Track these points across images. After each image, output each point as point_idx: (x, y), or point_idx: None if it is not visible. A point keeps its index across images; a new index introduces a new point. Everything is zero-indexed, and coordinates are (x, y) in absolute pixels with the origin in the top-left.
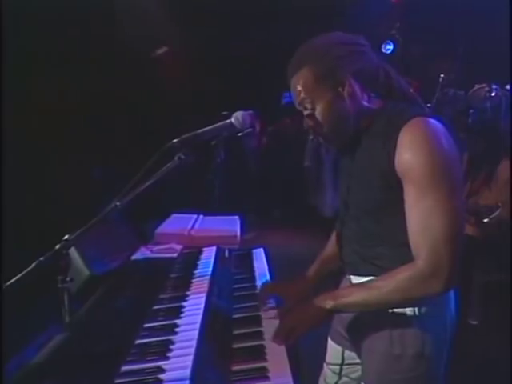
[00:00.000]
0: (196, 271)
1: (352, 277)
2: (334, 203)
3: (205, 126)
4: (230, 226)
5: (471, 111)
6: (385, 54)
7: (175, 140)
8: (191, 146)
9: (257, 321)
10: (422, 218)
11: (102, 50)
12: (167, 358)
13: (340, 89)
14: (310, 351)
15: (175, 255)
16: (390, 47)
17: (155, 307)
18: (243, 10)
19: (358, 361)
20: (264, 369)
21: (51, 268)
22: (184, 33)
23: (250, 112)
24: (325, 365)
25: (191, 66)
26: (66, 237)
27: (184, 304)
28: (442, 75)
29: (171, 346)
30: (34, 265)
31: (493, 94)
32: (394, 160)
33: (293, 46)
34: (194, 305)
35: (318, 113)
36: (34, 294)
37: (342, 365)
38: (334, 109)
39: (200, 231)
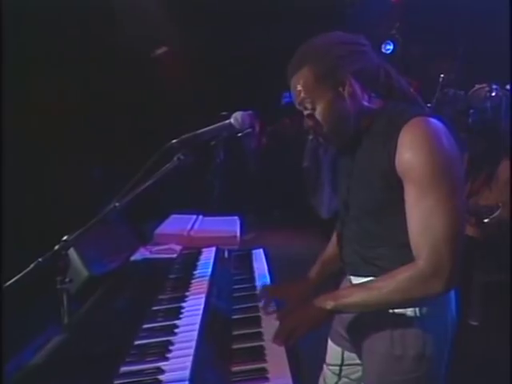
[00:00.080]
0: (195, 272)
1: (352, 277)
2: (331, 204)
3: (205, 126)
4: (229, 226)
5: (471, 111)
6: (385, 54)
7: (174, 140)
8: (190, 147)
9: (256, 321)
10: (422, 217)
11: (101, 50)
12: (166, 359)
13: (340, 89)
14: (310, 352)
15: (174, 256)
16: (390, 47)
17: (154, 308)
18: (243, 10)
19: (357, 362)
20: (263, 370)
21: (50, 269)
22: (184, 33)
23: (250, 112)
24: (324, 366)
25: (191, 66)
26: (64, 237)
27: (183, 305)
28: (442, 75)
29: (170, 347)
30: (32, 265)
31: (493, 94)
32: (394, 160)
33: (293, 45)
34: (194, 305)
35: (318, 113)
36: (32, 294)
37: (341, 366)
38: (334, 109)
39: (199, 232)
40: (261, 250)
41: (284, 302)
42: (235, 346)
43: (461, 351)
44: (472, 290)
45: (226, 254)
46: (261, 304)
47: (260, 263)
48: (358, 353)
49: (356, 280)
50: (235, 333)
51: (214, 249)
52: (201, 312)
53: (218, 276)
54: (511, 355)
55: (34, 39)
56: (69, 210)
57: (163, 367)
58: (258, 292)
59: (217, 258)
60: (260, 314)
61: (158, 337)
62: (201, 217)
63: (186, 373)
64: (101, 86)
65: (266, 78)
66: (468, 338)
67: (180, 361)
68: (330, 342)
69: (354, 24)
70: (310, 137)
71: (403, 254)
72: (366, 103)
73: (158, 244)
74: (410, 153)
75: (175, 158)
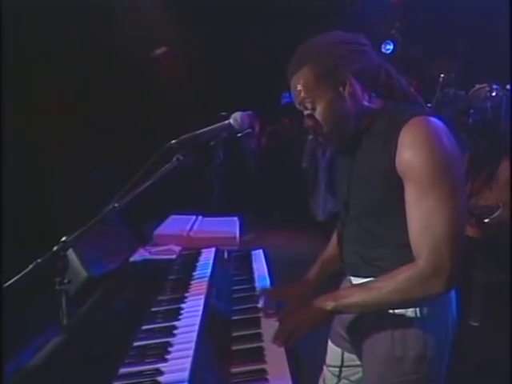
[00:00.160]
0: (195, 273)
1: (352, 278)
2: (326, 207)
3: (204, 127)
4: (229, 227)
5: (472, 111)
6: (385, 53)
7: (174, 141)
8: (190, 147)
9: (256, 322)
10: (423, 217)
11: (101, 51)
12: (166, 361)
13: (341, 88)
14: (310, 353)
15: (174, 257)
16: (390, 47)
17: (154, 309)
18: (243, 10)
19: (357, 363)
20: (263, 371)
21: (49, 270)
22: (183, 33)
23: (249, 112)
24: (324, 367)
25: (190, 66)
26: (63, 238)
27: (183, 306)
28: (442, 75)
29: (170, 348)
30: (31, 266)
31: (493, 94)
32: (394, 159)
33: (293, 45)
34: (193, 306)
35: (318, 112)
36: (31, 295)
37: (341, 367)
38: (334, 108)
39: (199, 232)
40: (260, 251)
41: (284, 303)
42: (235, 347)
43: (461, 351)
44: (472, 291)
45: (226, 255)
46: (260, 306)
47: (260, 264)
48: (358, 354)
49: (356, 280)
50: (235, 334)
51: (213, 249)
52: (200, 313)
53: (218, 277)
54: (511, 355)
55: (33, 39)
56: (69, 210)
57: (162, 368)
58: (257, 293)
59: (216, 259)
60: (260, 315)
61: (157, 338)
62: (200, 217)
63: (185, 374)
64: (100, 86)
65: (266, 78)
66: (468, 338)
67: (179, 362)
68: (329, 343)
69: (354, 24)
70: (310, 137)
71: (403, 254)
72: (366, 103)
73: (157, 245)
74: (410, 152)
75: (174, 159)
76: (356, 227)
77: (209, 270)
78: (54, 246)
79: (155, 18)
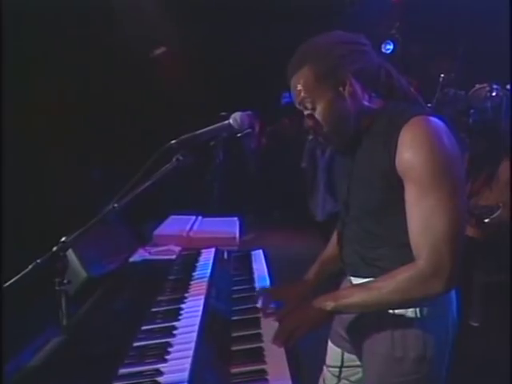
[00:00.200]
0: (194, 273)
1: (352, 278)
2: (325, 207)
3: (204, 127)
4: (228, 227)
5: (472, 111)
6: (385, 53)
7: (173, 141)
8: (190, 147)
9: (256, 323)
10: (423, 217)
11: (101, 51)
12: (165, 361)
13: (341, 88)
14: (310, 353)
15: (173, 257)
16: (390, 47)
17: (153, 309)
18: (243, 10)
19: (357, 363)
20: (263, 371)
21: (49, 270)
22: (183, 33)
23: (249, 113)
24: (324, 367)
25: (190, 67)
26: (63, 239)
27: (182, 306)
28: (442, 75)
29: (169, 349)
30: (30, 267)
31: (493, 94)
32: (394, 159)
33: (293, 45)
34: (193, 307)
35: (318, 112)
36: (31, 296)
37: (341, 367)
38: (334, 108)
39: (199, 233)
40: (260, 251)
41: (283, 304)
42: (234, 348)
43: (461, 351)
44: (472, 291)
45: (226, 255)
46: (259, 306)
47: (259, 264)
48: (358, 354)
49: (356, 281)
50: (234, 334)
51: (213, 250)
52: (200, 313)
53: (218, 277)
54: (511, 355)
55: (33, 39)
56: (69, 210)
57: (162, 369)
58: (257, 293)
59: (216, 259)
60: (259, 315)
61: (156, 338)
62: (200, 217)
63: (185, 374)
64: (100, 86)
65: (266, 78)
66: (468, 338)
67: (179, 362)
68: (329, 344)
69: (354, 24)
70: (310, 137)
71: (404, 254)
72: (366, 103)
73: (156, 245)
74: (410, 152)
75: (174, 159)
76: (356, 227)
77: (208, 271)
78: (53, 246)
79: (155, 18)
